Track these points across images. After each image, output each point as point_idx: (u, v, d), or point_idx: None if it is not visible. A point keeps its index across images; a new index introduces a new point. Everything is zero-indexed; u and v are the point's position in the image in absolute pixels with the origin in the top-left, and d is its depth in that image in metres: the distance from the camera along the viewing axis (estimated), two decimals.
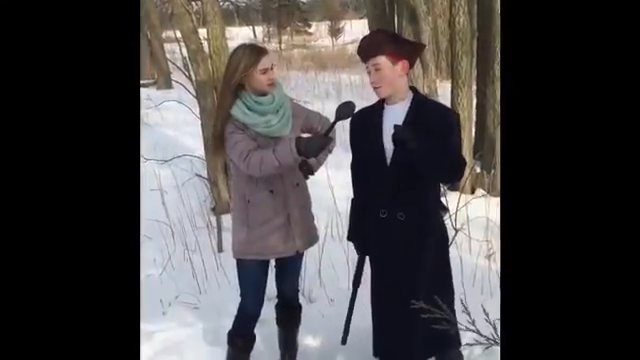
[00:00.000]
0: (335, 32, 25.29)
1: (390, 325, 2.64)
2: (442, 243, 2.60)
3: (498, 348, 1.50)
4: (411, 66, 2.51)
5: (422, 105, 2.49)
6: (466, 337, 1.84)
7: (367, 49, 2.45)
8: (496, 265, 3.92)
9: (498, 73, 5.43)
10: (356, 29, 23.30)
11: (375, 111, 2.55)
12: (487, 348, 1.58)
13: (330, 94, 10.74)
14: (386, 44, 2.41)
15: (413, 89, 2.54)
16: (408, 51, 2.47)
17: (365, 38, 2.53)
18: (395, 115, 2.47)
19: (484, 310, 1.56)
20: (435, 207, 2.58)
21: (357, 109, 2.58)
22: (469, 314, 1.58)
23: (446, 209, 2.65)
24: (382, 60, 2.40)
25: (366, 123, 2.56)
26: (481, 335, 1.52)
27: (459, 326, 1.63)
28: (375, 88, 2.48)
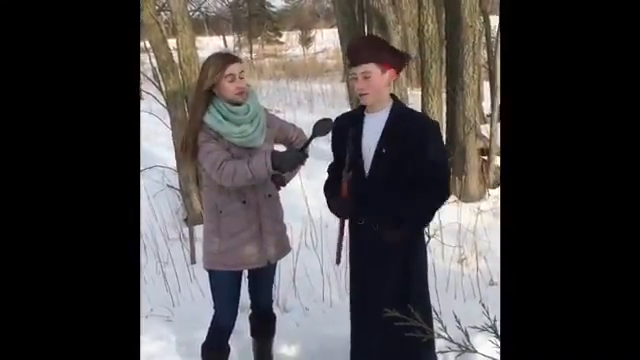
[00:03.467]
0: (306, 41, 25.32)
1: (363, 331, 2.64)
2: (417, 257, 2.58)
3: (471, 354, 1.52)
4: (398, 73, 2.51)
5: (401, 115, 2.48)
6: (439, 344, 1.85)
7: (357, 54, 2.42)
8: (468, 270, 3.96)
9: (467, 80, 5.51)
10: (327, 38, 23.40)
11: (356, 118, 2.55)
12: (459, 355, 1.59)
13: (302, 103, 10.75)
14: (377, 51, 2.40)
15: (393, 97, 2.53)
16: (396, 60, 2.46)
17: (356, 42, 2.51)
18: (375, 125, 2.47)
19: (455, 317, 1.57)
20: (412, 221, 2.53)
21: (333, 117, 2.58)
22: (441, 321, 1.59)
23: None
24: (372, 67, 2.39)
25: (346, 130, 2.55)
26: (452, 342, 1.53)
27: (432, 333, 1.64)
28: (361, 95, 2.46)
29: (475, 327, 1.52)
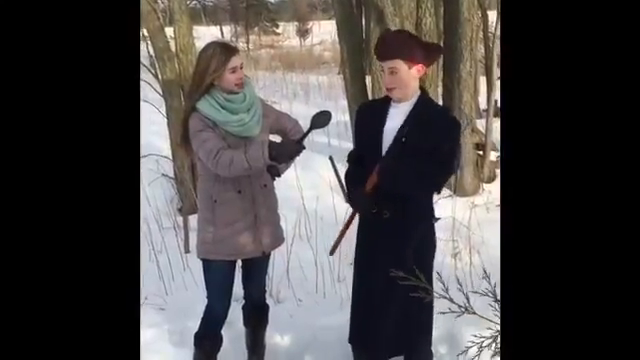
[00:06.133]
0: (303, 33, 25.24)
1: (367, 316, 2.65)
2: (426, 246, 2.59)
3: (468, 316, 1.56)
4: (427, 67, 2.51)
5: (425, 108, 2.50)
6: (440, 306, 1.89)
7: (385, 50, 2.43)
8: (462, 264, 3.97)
9: (464, 74, 5.51)
10: (324, 30, 23.34)
11: (381, 106, 2.55)
12: (459, 316, 1.65)
13: (298, 95, 10.73)
14: (405, 47, 2.40)
15: (422, 89, 2.54)
16: (425, 54, 2.46)
17: (385, 37, 2.51)
18: (398, 114, 2.48)
19: (457, 280, 1.63)
20: (423, 210, 2.57)
21: (329, 109, 2.57)
22: (443, 282, 1.65)
23: (436, 218, 2.62)
24: (399, 64, 2.39)
25: (370, 117, 2.56)
26: (453, 302, 1.59)
27: (434, 295, 1.71)
28: (388, 89, 2.47)
29: (476, 292, 1.57)
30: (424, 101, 2.51)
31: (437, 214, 2.64)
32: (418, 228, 2.55)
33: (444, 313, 1.65)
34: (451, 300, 1.62)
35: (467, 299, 1.58)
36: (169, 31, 5.23)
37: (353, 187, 2.55)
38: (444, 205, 4.76)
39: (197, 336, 2.79)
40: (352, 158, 2.67)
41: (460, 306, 1.61)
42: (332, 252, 2.70)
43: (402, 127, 2.44)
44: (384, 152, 2.46)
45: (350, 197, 2.57)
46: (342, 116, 6.34)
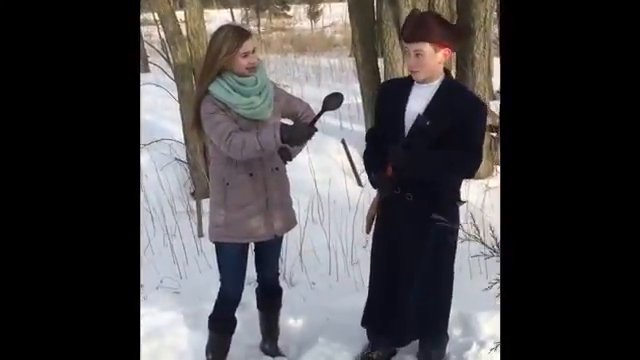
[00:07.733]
0: (314, 15, 24.97)
1: (385, 299, 2.66)
2: (448, 233, 2.53)
3: (496, 260, 1.61)
4: (454, 50, 2.49)
5: (451, 90, 2.48)
6: (470, 249, 1.96)
7: (412, 33, 2.40)
8: (475, 246, 3.95)
9: (478, 56, 5.45)
10: (335, 12, 23.14)
11: (403, 86, 2.53)
12: (488, 258, 1.73)
13: (309, 77, 10.67)
14: (432, 31, 2.37)
15: (445, 71, 2.51)
16: (453, 37, 2.43)
17: (412, 20, 2.48)
18: (422, 95, 2.46)
19: (490, 226, 1.75)
20: (447, 194, 2.55)
21: (340, 92, 2.55)
22: (476, 226, 1.71)
23: (461, 201, 2.60)
24: (426, 47, 2.37)
25: (392, 96, 2.55)
26: (484, 244, 1.67)
27: (467, 236, 1.77)
28: (412, 72, 2.46)
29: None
30: (448, 83, 2.49)
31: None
32: (442, 211, 2.52)
33: (476, 256, 1.75)
34: (482, 241, 1.68)
35: (497, 243, 1.61)
36: (180, 15, 5.21)
37: (373, 169, 2.54)
38: None
39: (211, 319, 2.81)
40: (371, 137, 2.65)
41: (490, 248, 1.67)
42: (369, 230, 2.72)
43: (426, 110, 2.42)
44: (406, 133, 2.44)
45: (371, 179, 2.57)
46: (354, 99, 6.30)
